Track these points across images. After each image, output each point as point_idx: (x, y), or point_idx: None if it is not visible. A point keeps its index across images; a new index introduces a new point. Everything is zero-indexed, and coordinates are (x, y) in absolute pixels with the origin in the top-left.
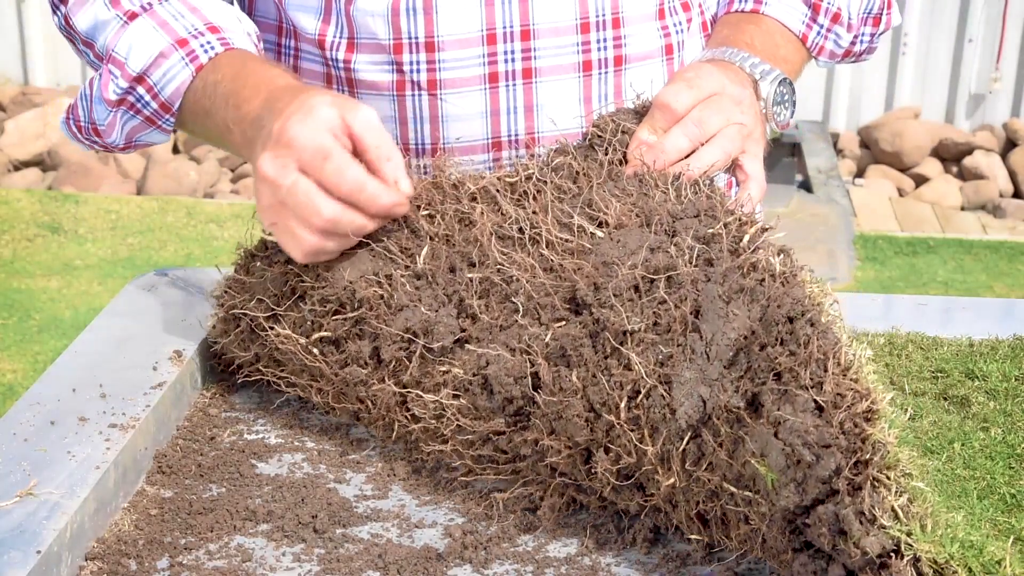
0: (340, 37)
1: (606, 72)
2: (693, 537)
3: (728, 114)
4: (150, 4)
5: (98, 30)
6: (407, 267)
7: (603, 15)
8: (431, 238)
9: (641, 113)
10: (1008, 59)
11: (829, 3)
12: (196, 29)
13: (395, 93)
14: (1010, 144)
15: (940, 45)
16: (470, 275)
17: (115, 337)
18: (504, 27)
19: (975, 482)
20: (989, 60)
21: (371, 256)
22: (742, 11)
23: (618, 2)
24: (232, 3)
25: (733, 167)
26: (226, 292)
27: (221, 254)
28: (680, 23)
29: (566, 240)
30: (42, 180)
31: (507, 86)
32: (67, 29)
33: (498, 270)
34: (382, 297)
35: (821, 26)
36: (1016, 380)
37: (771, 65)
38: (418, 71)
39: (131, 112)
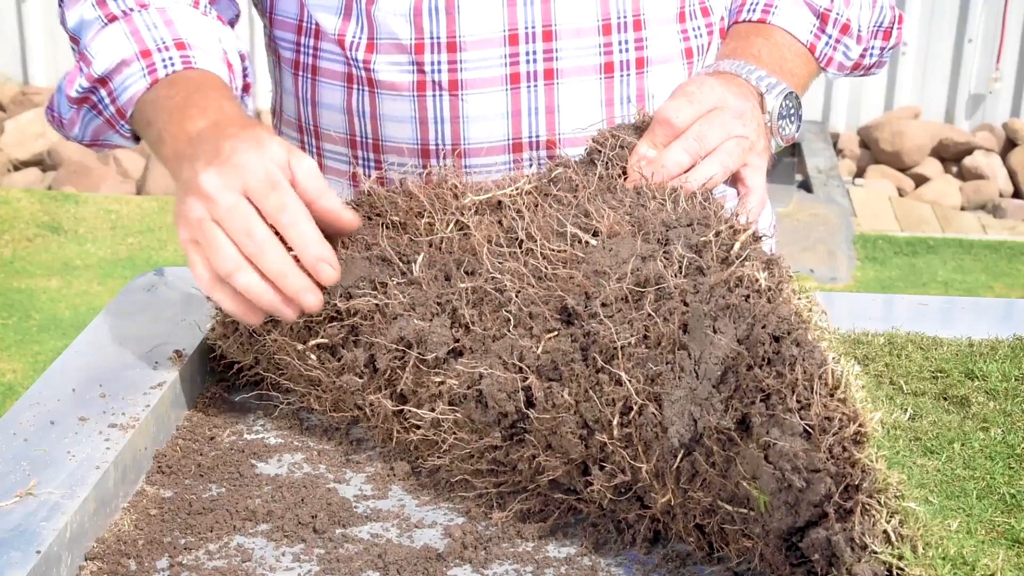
0: (360, 37)
1: (628, 74)
2: (692, 540)
3: (729, 128)
4: (130, 10)
5: (83, 28)
6: (403, 274)
7: (625, 17)
8: (429, 245)
9: (641, 128)
10: (1008, 59)
11: (838, 14)
12: (163, 43)
13: (415, 93)
14: (1010, 144)
15: (940, 45)
16: (463, 284)
17: (115, 337)
18: (526, 28)
19: (975, 482)
20: (989, 60)
21: (367, 262)
22: (750, 20)
23: (639, 4)
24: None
25: (735, 180)
26: None
27: None
28: (699, 27)
29: (560, 250)
30: (42, 180)
31: (528, 87)
32: (63, 22)
33: (492, 279)
34: (377, 305)
35: (830, 36)
36: (1016, 380)
37: (777, 78)
38: (439, 71)
39: (94, 112)
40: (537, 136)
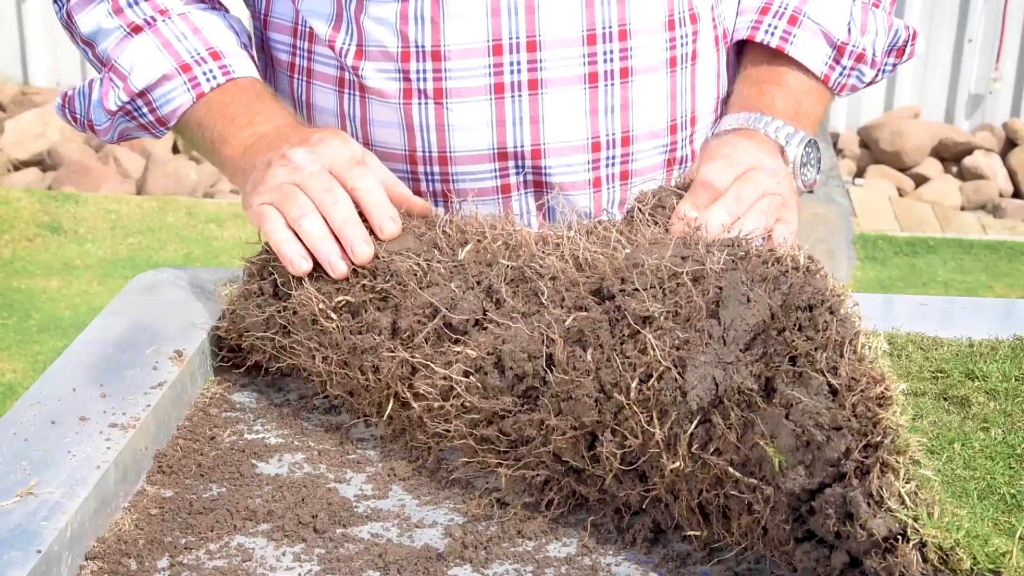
0: (350, 43)
1: (612, 84)
2: (692, 534)
3: (764, 187)
4: (153, 19)
5: (100, 35)
6: (449, 259)
7: (610, 27)
8: (478, 241)
9: (682, 189)
10: (1008, 59)
11: (854, 45)
12: (199, 55)
13: (402, 101)
14: (1010, 144)
15: (940, 45)
16: (503, 261)
17: (115, 337)
18: (511, 38)
19: (975, 482)
20: (989, 60)
21: (419, 241)
22: (766, 44)
23: (625, 14)
24: (223, 8)
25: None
26: (264, 252)
27: (221, 254)
28: (687, 35)
29: (601, 251)
30: (42, 180)
31: (513, 97)
32: (67, 23)
33: (531, 265)
34: (415, 274)
35: (844, 67)
36: (1016, 380)
37: (795, 127)
38: (424, 80)
39: (128, 118)
40: (522, 146)
